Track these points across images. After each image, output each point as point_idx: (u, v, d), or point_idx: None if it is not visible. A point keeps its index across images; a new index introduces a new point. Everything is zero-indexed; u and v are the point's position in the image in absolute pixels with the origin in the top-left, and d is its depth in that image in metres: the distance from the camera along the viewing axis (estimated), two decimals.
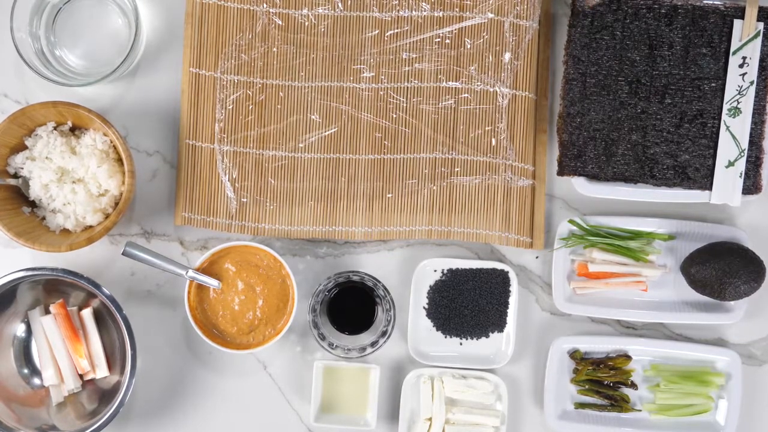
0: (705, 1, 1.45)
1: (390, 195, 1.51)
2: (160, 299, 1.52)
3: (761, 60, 1.45)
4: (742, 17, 1.45)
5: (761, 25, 1.45)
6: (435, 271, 1.52)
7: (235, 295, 1.47)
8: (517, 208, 1.51)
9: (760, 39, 1.45)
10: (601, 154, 1.47)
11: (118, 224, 1.48)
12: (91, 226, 1.46)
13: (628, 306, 1.51)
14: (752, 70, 1.45)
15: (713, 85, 1.46)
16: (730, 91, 1.46)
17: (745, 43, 1.45)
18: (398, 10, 1.49)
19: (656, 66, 1.46)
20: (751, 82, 1.45)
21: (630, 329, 1.53)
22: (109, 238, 1.53)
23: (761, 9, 1.45)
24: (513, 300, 1.51)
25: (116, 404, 1.41)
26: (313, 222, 1.51)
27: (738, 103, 1.45)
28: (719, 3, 1.45)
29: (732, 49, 1.45)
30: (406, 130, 1.50)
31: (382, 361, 1.52)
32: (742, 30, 1.45)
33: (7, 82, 1.53)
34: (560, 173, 1.48)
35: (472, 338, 1.52)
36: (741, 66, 1.45)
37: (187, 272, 1.45)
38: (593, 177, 1.48)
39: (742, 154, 1.46)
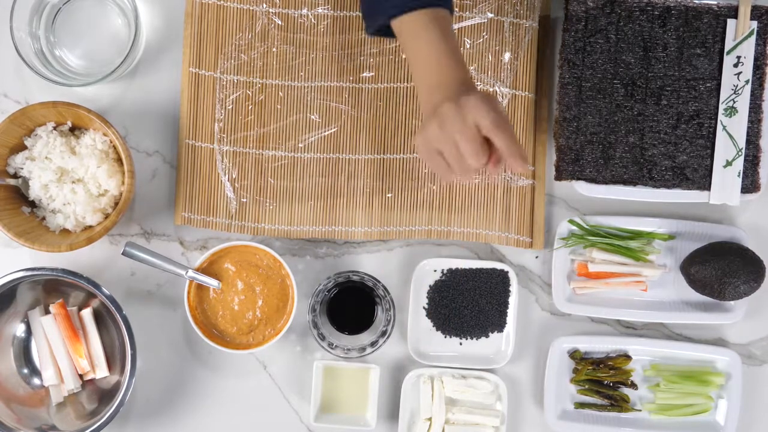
0: (698, 2, 1.46)
1: (390, 194, 1.51)
2: (160, 299, 1.52)
3: (756, 59, 1.46)
4: (736, 17, 1.46)
5: (755, 24, 1.46)
6: (435, 270, 1.52)
7: (235, 295, 1.47)
8: (517, 207, 1.51)
9: (753, 38, 1.46)
10: (599, 157, 1.47)
11: (118, 224, 1.48)
12: (90, 226, 1.46)
13: (628, 306, 1.51)
14: (747, 69, 1.46)
15: (709, 85, 1.47)
16: (725, 91, 1.47)
17: (739, 43, 1.46)
18: None
19: (651, 68, 1.46)
20: (747, 81, 1.46)
21: (630, 329, 1.53)
22: (109, 238, 1.52)
23: (754, 8, 1.46)
24: (513, 300, 1.51)
25: (116, 404, 1.40)
26: (313, 222, 1.51)
27: (734, 102, 1.46)
28: (712, 3, 1.46)
29: (726, 49, 1.46)
30: (407, 129, 1.51)
31: (382, 361, 1.51)
32: (736, 29, 1.46)
33: (7, 82, 1.53)
34: (558, 178, 1.48)
35: (472, 338, 1.52)
36: (736, 65, 1.46)
37: (186, 272, 1.45)
38: (592, 180, 1.48)
39: (740, 153, 1.47)
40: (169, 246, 1.53)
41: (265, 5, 1.50)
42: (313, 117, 1.51)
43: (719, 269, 1.43)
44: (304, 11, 1.50)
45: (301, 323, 1.50)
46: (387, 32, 1.28)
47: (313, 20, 1.50)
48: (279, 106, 1.51)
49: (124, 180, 1.45)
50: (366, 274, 1.47)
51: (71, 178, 1.46)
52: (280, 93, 1.51)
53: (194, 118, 1.50)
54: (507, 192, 1.51)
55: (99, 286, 1.42)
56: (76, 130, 1.48)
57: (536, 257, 1.54)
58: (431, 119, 1.18)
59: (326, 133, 1.51)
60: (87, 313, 1.47)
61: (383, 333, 1.47)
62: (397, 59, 1.50)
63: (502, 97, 1.50)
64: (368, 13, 1.30)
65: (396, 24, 1.24)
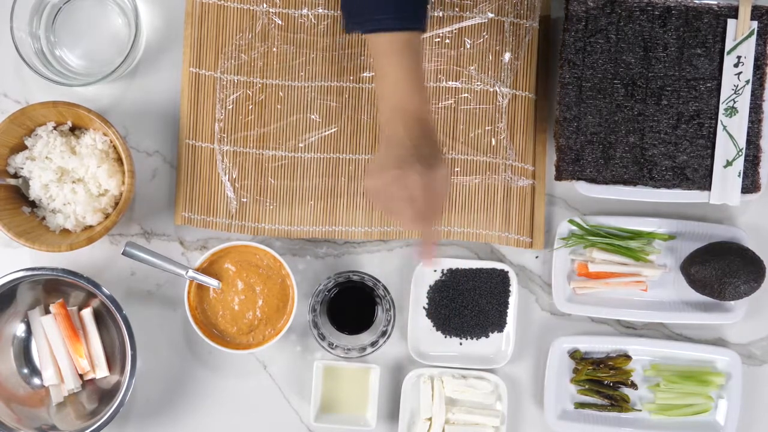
0: (698, 2, 1.46)
1: None
2: (160, 299, 1.52)
3: (756, 59, 1.46)
4: (736, 17, 1.46)
5: (755, 24, 1.46)
6: (435, 271, 1.52)
7: (235, 295, 1.47)
8: (517, 207, 1.51)
9: (754, 38, 1.46)
10: (599, 157, 1.47)
11: (118, 224, 1.48)
12: (91, 226, 1.46)
13: (628, 306, 1.51)
14: (747, 69, 1.46)
15: (709, 85, 1.47)
16: (725, 91, 1.46)
17: (740, 43, 1.46)
18: None
19: (651, 68, 1.46)
20: (747, 81, 1.46)
21: (630, 329, 1.53)
22: (109, 238, 1.52)
23: (754, 8, 1.45)
24: (513, 300, 1.51)
25: (116, 404, 1.40)
26: (313, 222, 1.51)
27: (734, 102, 1.46)
28: (713, 3, 1.46)
29: (726, 49, 1.46)
30: None
31: (382, 361, 1.51)
32: (736, 29, 1.46)
33: (7, 82, 1.53)
34: (558, 178, 1.48)
35: (472, 338, 1.52)
36: (736, 65, 1.46)
37: (187, 272, 1.45)
38: (592, 180, 1.48)
39: (740, 153, 1.47)
40: (169, 246, 1.53)
41: (265, 5, 1.50)
42: (313, 117, 1.51)
43: (719, 269, 1.43)
44: (305, 11, 1.50)
45: (301, 323, 1.50)
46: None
47: (313, 20, 1.50)
48: (279, 106, 1.51)
49: (124, 180, 1.45)
50: (366, 274, 1.47)
51: (71, 178, 1.46)
52: (280, 93, 1.51)
53: (194, 118, 1.50)
54: (507, 192, 1.51)
55: (99, 286, 1.42)
56: (76, 130, 1.48)
57: (536, 257, 1.54)
58: (396, 166, 1.24)
59: (326, 133, 1.51)
60: (87, 313, 1.47)
61: (383, 333, 1.47)
62: None
63: (502, 98, 1.50)
64: (346, 16, 1.30)
65: (370, 38, 1.26)
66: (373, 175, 1.27)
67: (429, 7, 1.49)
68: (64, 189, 1.44)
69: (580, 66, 1.46)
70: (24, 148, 1.46)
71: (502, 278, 1.51)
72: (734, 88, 1.46)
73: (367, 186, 1.30)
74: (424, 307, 1.52)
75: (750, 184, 1.48)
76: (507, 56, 1.50)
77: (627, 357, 1.50)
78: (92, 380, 1.48)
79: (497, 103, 1.50)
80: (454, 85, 1.50)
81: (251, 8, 1.50)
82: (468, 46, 1.50)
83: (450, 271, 1.52)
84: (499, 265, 1.51)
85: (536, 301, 1.54)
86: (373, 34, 1.25)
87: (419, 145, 1.25)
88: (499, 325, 1.51)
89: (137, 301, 1.51)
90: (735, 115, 1.46)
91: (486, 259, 1.53)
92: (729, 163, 1.47)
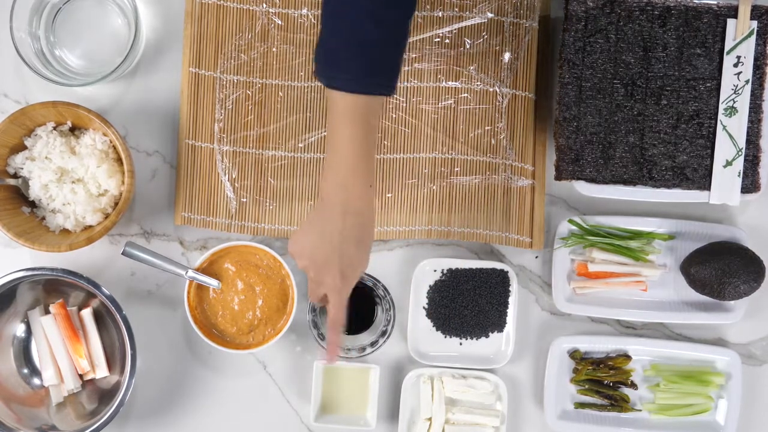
0: (698, 2, 1.46)
1: (390, 195, 1.51)
2: (160, 299, 1.52)
3: (756, 58, 1.46)
4: (735, 16, 1.46)
5: (755, 24, 1.46)
6: (435, 271, 1.52)
7: (235, 295, 1.47)
8: (517, 207, 1.51)
9: (753, 38, 1.46)
10: (598, 157, 1.47)
11: (118, 224, 1.48)
12: (90, 226, 1.46)
13: (628, 306, 1.51)
14: (747, 69, 1.46)
15: (708, 85, 1.47)
16: (725, 91, 1.46)
17: (739, 42, 1.46)
18: None
19: (651, 68, 1.46)
20: (747, 81, 1.46)
21: (630, 329, 1.53)
22: (109, 238, 1.52)
23: (754, 8, 1.45)
24: (513, 300, 1.51)
25: (116, 404, 1.40)
26: None
27: (734, 102, 1.46)
28: (712, 3, 1.46)
29: (726, 49, 1.46)
30: (406, 129, 1.51)
31: (382, 361, 1.51)
32: (736, 29, 1.46)
33: (7, 82, 1.53)
34: (558, 178, 1.48)
35: (471, 338, 1.52)
36: (736, 65, 1.46)
37: (186, 272, 1.45)
38: (592, 180, 1.48)
39: (740, 153, 1.47)
40: (169, 246, 1.53)
41: (265, 5, 1.50)
42: (313, 117, 1.51)
43: (719, 269, 1.43)
44: (304, 11, 1.50)
45: (302, 323, 1.49)
46: None
47: (313, 20, 1.50)
48: (279, 106, 1.51)
49: (124, 180, 1.45)
50: (366, 274, 1.46)
51: (71, 178, 1.46)
52: (280, 93, 1.51)
53: (194, 118, 1.50)
54: (507, 192, 1.51)
55: (99, 286, 1.42)
56: (76, 130, 1.48)
57: (536, 257, 1.54)
58: (315, 265, 1.28)
59: (326, 133, 1.50)
60: (87, 313, 1.47)
61: (383, 333, 1.47)
62: None
63: (502, 97, 1.50)
64: (315, 61, 1.23)
65: (330, 93, 1.21)
66: (297, 247, 1.30)
67: (429, 7, 1.49)
68: (64, 189, 1.44)
69: (580, 66, 1.46)
70: (24, 148, 1.46)
71: (502, 278, 1.51)
72: (734, 87, 1.46)
73: (290, 251, 1.31)
74: (424, 307, 1.52)
75: (750, 184, 1.48)
76: (507, 56, 1.50)
77: (627, 357, 1.50)
78: (92, 380, 1.48)
79: (497, 103, 1.50)
80: (454, 85, 1.50)
81: (251, 8, 1.50)
82: (468, 46, 1.50)
83: (450, 271, 1.52)
84: (499, 265, 1.51)
85: (536, 301, 1.54)
86: (334, 91, 1.20)
87: (346, 241, 1.24)
88: (499, 325, 1.51)
89: (137, 301, 1.51)
90: (735, 114, 1.46)
91: (486, 259, 1.53)
92: (729, 163, 1.47)
